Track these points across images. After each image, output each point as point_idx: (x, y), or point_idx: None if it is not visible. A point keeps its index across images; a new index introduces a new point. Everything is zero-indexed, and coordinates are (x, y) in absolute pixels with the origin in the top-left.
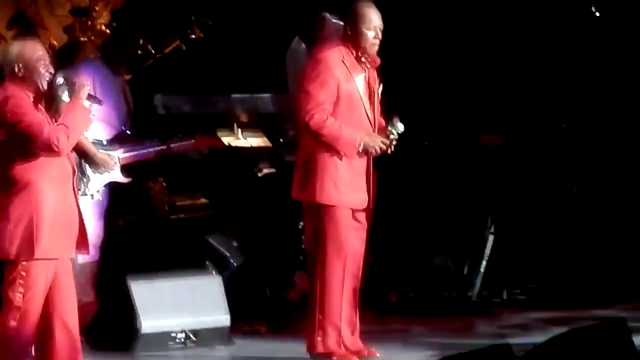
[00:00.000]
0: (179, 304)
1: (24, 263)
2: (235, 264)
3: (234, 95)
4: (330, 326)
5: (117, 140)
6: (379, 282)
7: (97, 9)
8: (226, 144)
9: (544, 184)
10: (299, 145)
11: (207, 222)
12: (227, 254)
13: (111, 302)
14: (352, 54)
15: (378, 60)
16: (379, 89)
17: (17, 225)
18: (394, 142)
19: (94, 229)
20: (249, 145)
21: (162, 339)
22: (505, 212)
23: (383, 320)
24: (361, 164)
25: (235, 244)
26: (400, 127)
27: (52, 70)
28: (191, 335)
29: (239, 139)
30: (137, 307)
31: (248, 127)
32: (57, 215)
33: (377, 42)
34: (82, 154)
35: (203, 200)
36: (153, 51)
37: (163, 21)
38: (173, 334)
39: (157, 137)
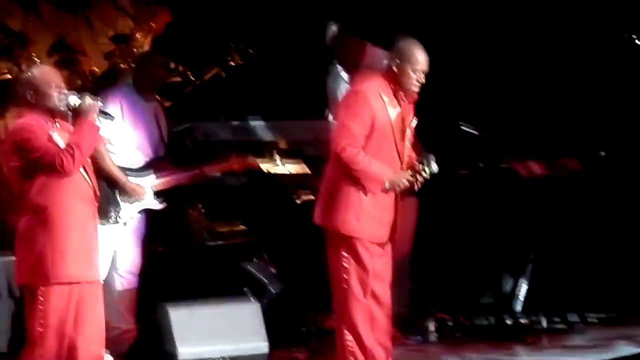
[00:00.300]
0: (217, 330)
1: (42, 288)
2: (273, 290)
3: (273, 122)
4: (360, 353)
5: (149, 166)
6: (418, 310)
7: (138, 36)
8: (265, 170)
9: (585, 213)
10: (325, 171)
11: (245, 248)
12: (266, 281)
13: (149, 329)
14: (391, 88)
15: (416, 96)
16: (412, 124)
17: (33, 250)
18: (422, 180)
19: (133, 256)
20: (288, 172)
21: None
22: (545, 240)
23: (421, 348)
24: (388, 197)
25: (273, 270)
26: (435, 168)
27: (66, 91)
28: None
29: (278, 165)
30: (175, 334)
31: (287, 153)
32: (73, 239)
33: (419, 85)
34: (113, 183)
35: (241, 227)
36: (192, 78)
37: (203, 48)
38: None
39: (195, 163)
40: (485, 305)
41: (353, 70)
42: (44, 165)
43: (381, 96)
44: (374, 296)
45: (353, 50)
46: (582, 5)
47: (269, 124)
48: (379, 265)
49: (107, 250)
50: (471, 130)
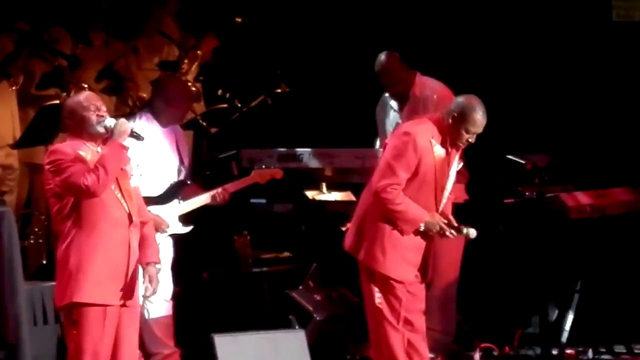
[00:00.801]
0: (261, 358)
1: (74, 311)
2: (318, 318)
3: (319, 149)
4: None
5: (172, 192)
6: (463, 339)
7: (186, 62)
8: (311, 197)
9: (633, 244)
10: (361, 198)
11: (290, 276)
12: (311, 309)
13: (195, 356)
14: (440, 138)
15: (472, 234)
16: (457, 167)
17: (64, 272)
18: (455, 234)
19: (164, 283)
20: (334, 200)
21: None
22: (592, 271)
23: None
24: (417, 239)
25: (318, 298)
26: (473, 234)
27: (105, 114)
28: None
29: (324, 192)
30: None
31: (333, 181)
32: (99, 262)
33: (468, 144)
34: None
35: (287, 254)
36: (239, 105)
37: (250, 75)
38: None
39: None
40: (531, 336)
41: (402, 99)
42: (70, 185)
43: (430, 142)
44: (408, 323)
45: (402, 80)
46: None
47: (315, 151)
48: (412, 292)
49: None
50: (517, 160)
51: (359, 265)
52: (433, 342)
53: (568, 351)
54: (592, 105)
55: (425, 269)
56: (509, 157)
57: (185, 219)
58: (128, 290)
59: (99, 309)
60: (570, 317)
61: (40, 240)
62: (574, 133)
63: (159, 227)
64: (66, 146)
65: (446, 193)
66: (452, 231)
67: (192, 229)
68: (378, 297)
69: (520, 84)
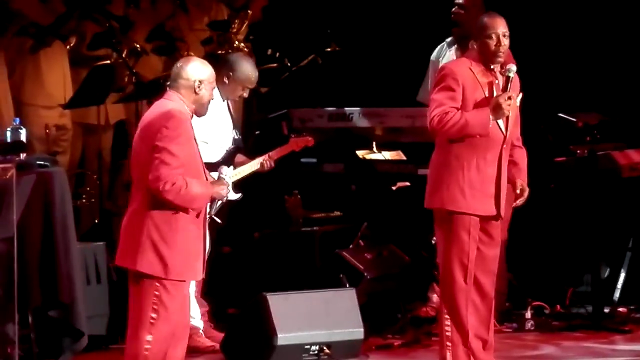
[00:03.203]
0: (313, 316)
1: (157, 284)
2: (369, 277)
3: (369, 109)
4: (459, 338)
5: (227, 158)
6: (515, 298)
7: (237, 21)
8: (361, 157)
9: None
10: (431, 158)
11: (341, 235)
12: (361, 268)
13: (248, 315)
14: (480, 65)
15: (513, 68)
16: (517, 98)
17: (154, 243)
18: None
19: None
20: (384, 159)
21: (297, 351)
22: None
23: (517, 336)
24: (492, 170)
25: (369, 257)
26: (513, 68)
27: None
28: (325, 348)
29: (374, 152)
30: (273, 320)
31: (383, 140)
32: (190, 239)
33: (501, 48)
34: None
35: (337, 214)
36: (289, 64)
37: (300, 35)
38: (307, 347)
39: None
40: (582, 294)
41: (464, 45)
42: (152, 174)
43: (472, 71)
44: (478, 284)
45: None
46: None
47: (365, 110)
48: (485, 254)
49: None
50: (569, 118)
51: (435, 220)
52: None
53: (620, 309)
54: None
55: (499, 202)
56: (560, 115)
57: (234, 186)
58: (202, 266)
59: (181, 284)
60: (622, 276)
61: (93, 200)
62: (625, 91)
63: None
64: (182, 118)
65: (511, 119)
66: (506, 95)
67: (241, 196)
68: (448, 247)
69: (571, 42)
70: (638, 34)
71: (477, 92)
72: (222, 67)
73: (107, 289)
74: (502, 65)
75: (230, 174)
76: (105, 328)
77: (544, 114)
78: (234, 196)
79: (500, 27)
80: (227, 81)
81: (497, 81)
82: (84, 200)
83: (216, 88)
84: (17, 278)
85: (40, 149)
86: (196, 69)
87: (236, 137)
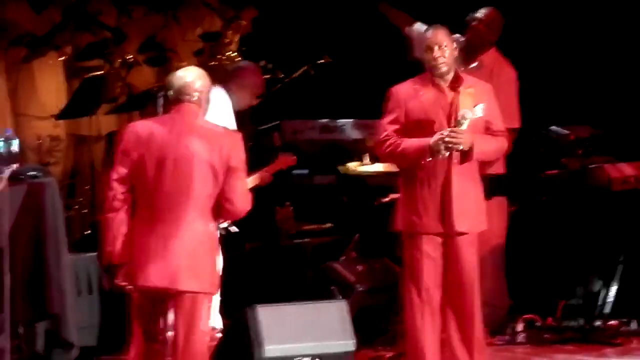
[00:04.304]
0: (303, 328)
1: (208, 297)
2: (360, 289)
3: (361, 121)
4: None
5: None
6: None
7: (229, 32)
8: (352, 169)
9: None
10: None
11: (332, 247)
12: (353, 280)
13: (237, 327)
14: (428, 81)
15: (468, 115)
16: (477, 111)
17: (207, 260)
18: (460, 138)
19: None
20: (376, 171)
21: None
22: (636, 241)
23: (509, 348)
24: (440, 188)
25: (360, 269)
26: (468, 114)
27: None
28: None
29: (366, 164)
30: (262, 332)
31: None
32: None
33: (439, 59)
34: None
35: (328, 225)
36: (281, 76)
37: (292, 46)
38: (297, 359)
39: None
40: (574, 307)
41: (469, 59)
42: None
43: (414, 88)
44: (454, 305)
45: (490, 41)
46: None
47: (357, 122)
48: (454, 272)
49: None
50: (560, 131)
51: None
52: (483, 315)
53: (611, 322)
54: (636, 76)
55: (450, 219)
56: (552, 128)
57: None
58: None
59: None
60: (613, 289)
61: (85, 211)
62: (617, 104)
63: None
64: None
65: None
66: (458, 137)
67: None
68: (404, 264)
69: (563, 55)
70: (630, 47)
71: (418, 109)
72: (231, 79)
73: (98, 300)
74: (459, 81)
75: None
76: (96, 339)
77: (536, 126)
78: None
79: (438, 39)
80: (240, 92)
81: (445, 94)
82: (75, 211)
83: (229, 99)
84: (8, 289)
85: (33, 159)
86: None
87: None
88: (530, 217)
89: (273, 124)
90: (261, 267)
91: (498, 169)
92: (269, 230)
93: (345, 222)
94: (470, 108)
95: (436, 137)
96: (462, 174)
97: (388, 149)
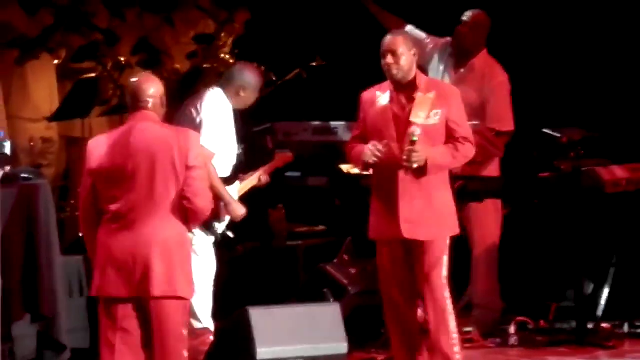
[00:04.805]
0: (296, 331)
1: (188, 302)
2: (353, 292)
3: (355, 123)
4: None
5: (236, 173)
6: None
7: (223, 35)
8: (345, 171)
9: None
10: None
11: (325, 249)
12: (345, 282)
13: (229, 330)
14: (390, 87)
15: (417, 132)
16: (433, 116)
17: (178, 264)
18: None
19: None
20: (369, 173)
21: None
22: (628, 244)
23: (501, 351)
24: (387, 194)
25: (353, 271)
26: (417, 131)
27: None
28: None
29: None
30: (254, 334)
31: None
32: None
33: (392, 66)
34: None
35: (321, 228)
36: (274, 78)
37: (284, 49)
38: None
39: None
40: (566, 309)
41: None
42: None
43: (376, 94)
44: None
45: (479, 43)
46: None
47: (350, 124)
48: (418, 277)
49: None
50: (553, 133)
51: None
52: (476, 317)
53: (603, 325)
54: (629, 78)
55: (396, 223)
56: (545, 130)
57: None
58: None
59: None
60: (606, 291)
61: (77, 213)
62: (610, 106)
63: (236, 218)
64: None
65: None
66: (407, 152)
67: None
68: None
69: (555, 57)
70: (622, 50)
71: (373, 116)
72: (232, 80)
73: (90, 302)
74: (416, 87)
75: (238, 189)
76: (88, 341)
77: (529, 129)
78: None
79: (391, 46)
80: (243, 93)
81: (400, 98)
82: (67, 213)
83: (228, 102)
84: (0, 290)
85: (26, 161)
86: None
87: (239, 151)
88: (524, 220)
89: (265, 126)
90: (254, 269)
91: (492, 171)
92: (262, 233)
93: (338, 225)
94: (425, 114)
95: (367, 147)
96: (413, 181)
97: (347, 155)
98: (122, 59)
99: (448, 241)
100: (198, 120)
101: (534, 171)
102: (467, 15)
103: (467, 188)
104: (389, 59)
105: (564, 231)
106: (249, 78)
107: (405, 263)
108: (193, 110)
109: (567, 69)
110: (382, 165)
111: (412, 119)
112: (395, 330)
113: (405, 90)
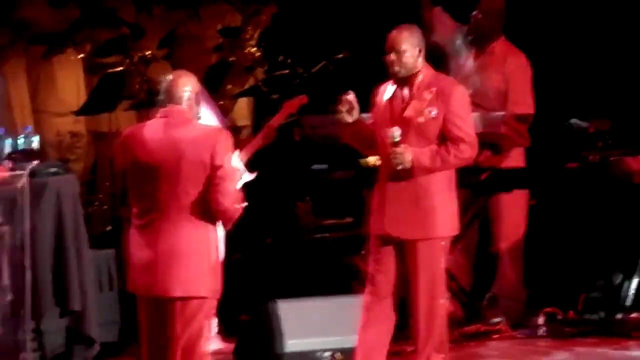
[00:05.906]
0: (324, 323)
1: (212, 301)
2: None
3: None
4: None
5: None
6: (527, 303)
7: (249, 28)
8: (372, 163)
9: None
10: None
11: (352, 242)
12: None
13: (258, 322)
14: (396, 81)
15: (397, 133)
16: (429, 113)
17: (206, 263)
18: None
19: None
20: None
21: (307, 358)
22: None
23: (530, 342)
24: (378, 190)
25: None
26: (397, 131)
27: None
28: (336, 355)
29: None
30: (283, 327)
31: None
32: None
33: (394, 64)
34: None
35: (348, 220)
36: (300, 71)
37: (311, 41)
38: (318, 354)
39: (299, 156)
40: (595, 300)
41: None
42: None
43: (387, 85)
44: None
45: (497, 28)
46: None
47: None
48: (410, 276)
49: None
50: (580, 124)
51: None
52: (502, 308)
53: (633, 315)
54: None
55: (382, 220)
56: (572, 121)
57: (246, 166)
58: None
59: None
60: (635, 281)
61: (105, 207)
62: (638, 96)
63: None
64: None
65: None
66: (392, 154)
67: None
68: None
69: (583, 47)
70: None
71: (378, 109)
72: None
73: (119, 296)
74: (417, 84)
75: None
76: (117, 335)
77: (556, 119)
78: (249, 177)
79: (394, 44)
80: None
81: (400, 92)
82: (95, 207)
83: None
84: (29, 285)
85: (54, 156)
86: None
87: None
88: (551, 210)
89: (292, 119)
90: (282, 261)
91: (518, 162)
92: (290, 226)
93: (365, 216)
94: (419, 111)
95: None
96: (403, 179)
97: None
98: (148, 52)
99: (443, 242)
100: None
101: (561, 162)
102: (481, 1)
103: (493, 179)
104: (392, 56)
105: (592, 221)
106: None
107: (392, 258)
108: None
109: (595, 58)
110: (384, 161)
111: (405, 115)
112: (365, 322)
113: (407, 85)
